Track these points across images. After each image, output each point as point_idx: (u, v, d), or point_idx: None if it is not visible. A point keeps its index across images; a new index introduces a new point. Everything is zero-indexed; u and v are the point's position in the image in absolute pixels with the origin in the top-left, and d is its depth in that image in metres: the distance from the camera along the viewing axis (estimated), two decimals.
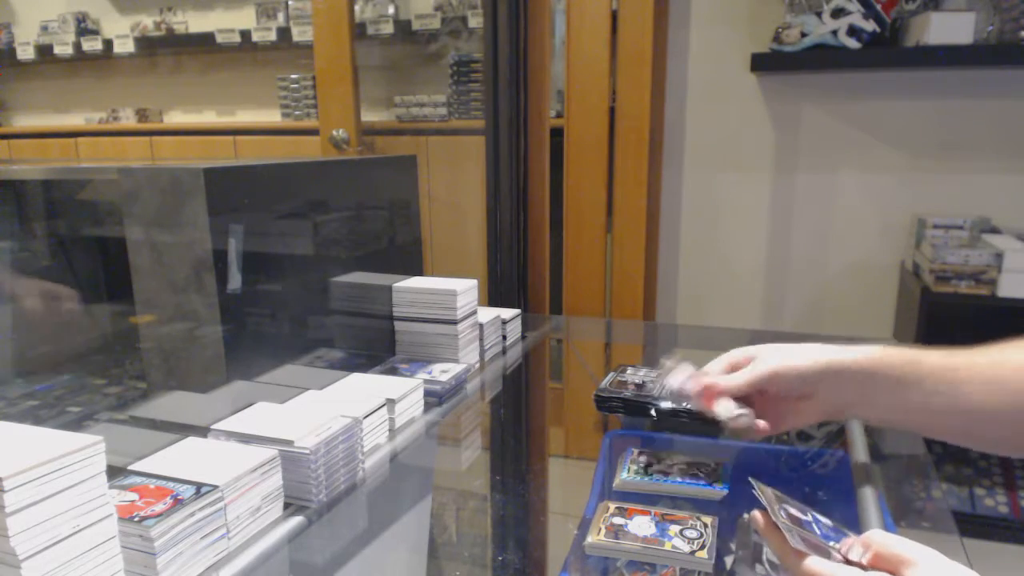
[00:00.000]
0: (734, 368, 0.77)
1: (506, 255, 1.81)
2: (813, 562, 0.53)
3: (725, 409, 0.73)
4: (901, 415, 0.72)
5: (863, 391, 0.71)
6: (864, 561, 0.52)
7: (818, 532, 0.57)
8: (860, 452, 0.90)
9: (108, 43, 3.47)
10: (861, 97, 2.30)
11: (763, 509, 0.59)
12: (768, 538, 0.58)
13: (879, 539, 0.53)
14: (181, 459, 0.75)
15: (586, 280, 2.48)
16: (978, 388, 0.67)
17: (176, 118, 3.69)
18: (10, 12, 3.84)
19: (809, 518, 0.59)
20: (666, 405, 1.05)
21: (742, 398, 0.75)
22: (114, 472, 0.67)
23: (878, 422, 0.81)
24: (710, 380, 0.75)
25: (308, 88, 3.19)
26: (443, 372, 1.15)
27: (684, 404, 0.72)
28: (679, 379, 0.75)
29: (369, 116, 2.96)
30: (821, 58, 2.14)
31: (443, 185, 2.81)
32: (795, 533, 0.55)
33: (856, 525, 0.72)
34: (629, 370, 1.19)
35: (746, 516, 0.79)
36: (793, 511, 0.59)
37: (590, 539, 0.74)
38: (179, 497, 0.66)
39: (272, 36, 3.19)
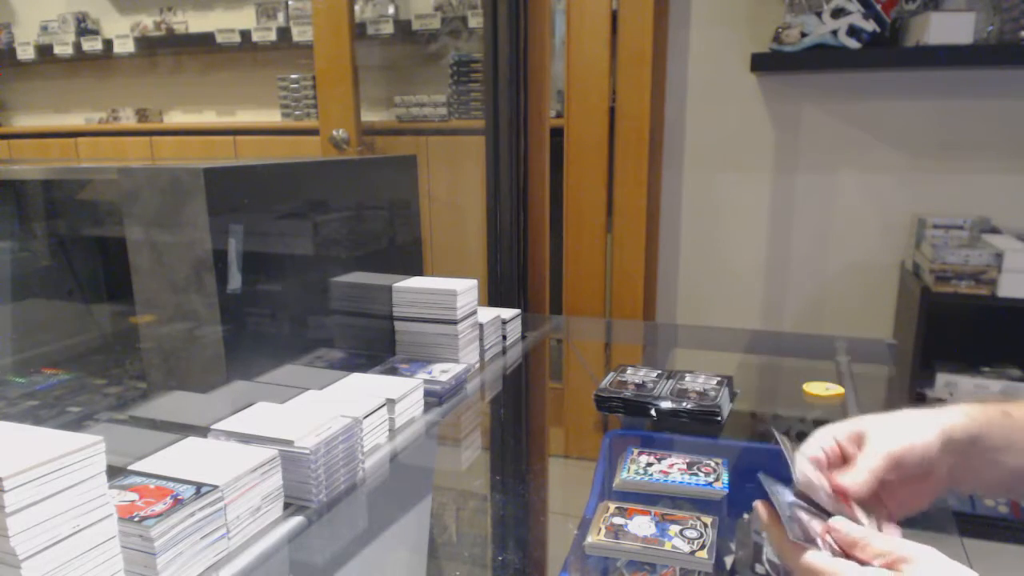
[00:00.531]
0: (843, 453, 0.64)
1: (506, 255, 1.81)
2: (812, 556, 0.53)
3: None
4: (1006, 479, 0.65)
5: (971, 457, 0.63)
6: (864, 557, 0.52)
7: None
8: None
9: (108, 43, 3.47)
10: (861, 97, 2.30)
11: (766, 499, 0.59)
12: (768, 530, 0.57)
13: (878, 537, 0.53)
14: (181, 459, 0.75)
15: (586, 280, 2.47)
16: None
17: (176, 118, 3.69)
18: (10, 12, 3.83)
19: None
20: (666, 405, 1.05)
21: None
22: (114, 472, 0.67)
23: (984, 490, 0.70)
24: (839, 482, 0.62)
25: (308, 88, 3.19)
26: (443, 372, 1.15)
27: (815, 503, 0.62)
28: (806, 474, 0.61)
29: (369, 116, 2.96)
30: (821, 58, 2.14)
31: (443, 185, 2.81)
32: (795, 525, 0.54)
33: None
34: (629, 370, 1.19)
35: (746, 516, 0.79)
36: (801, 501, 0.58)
37: (590, 539, 0.74)
38: (179, 497, 0.66)
39: (272, 36, 3.19)
